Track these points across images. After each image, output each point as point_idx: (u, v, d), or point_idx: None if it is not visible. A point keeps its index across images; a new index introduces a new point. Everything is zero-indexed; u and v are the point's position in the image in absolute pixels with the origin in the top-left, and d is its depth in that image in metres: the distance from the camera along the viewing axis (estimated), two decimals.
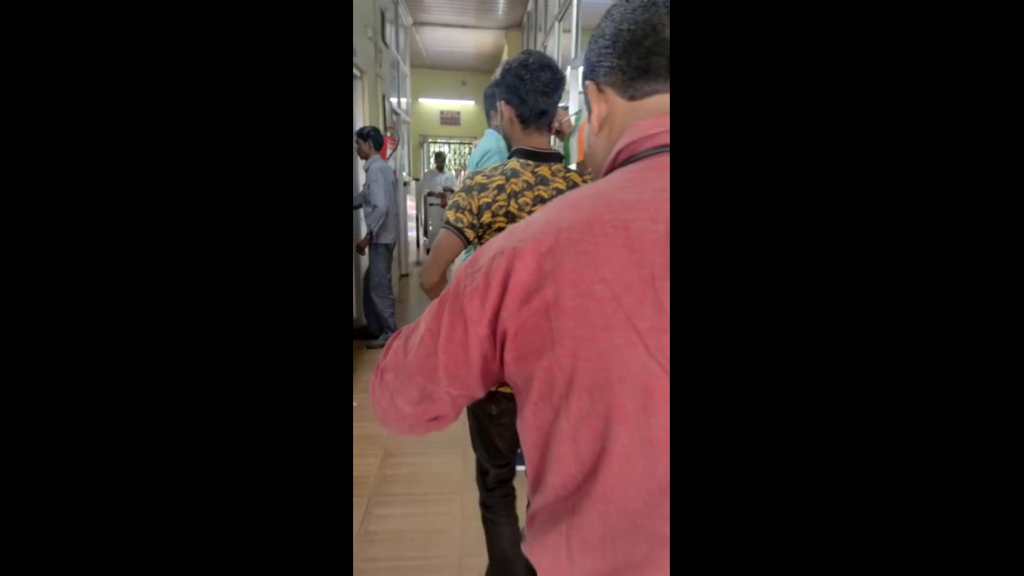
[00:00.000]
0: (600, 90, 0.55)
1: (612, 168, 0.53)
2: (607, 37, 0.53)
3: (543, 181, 1.15)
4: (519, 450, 2.12)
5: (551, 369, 0.45)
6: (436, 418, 0.58)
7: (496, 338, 0.49)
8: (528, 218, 0.51)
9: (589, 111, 0.57)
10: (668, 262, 0.43)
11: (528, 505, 0.55)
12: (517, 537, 1.36)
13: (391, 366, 0.58)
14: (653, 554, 0.45)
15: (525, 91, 1.15)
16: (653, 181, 0.47)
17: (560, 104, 1.28)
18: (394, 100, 5.38)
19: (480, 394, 0.56)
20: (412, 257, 6.85)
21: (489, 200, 1.14)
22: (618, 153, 0.52)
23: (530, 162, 1.17)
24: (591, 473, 0.46)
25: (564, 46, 4.28)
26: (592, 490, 0.46)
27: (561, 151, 1.54)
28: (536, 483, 0.52)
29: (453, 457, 2.26)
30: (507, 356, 0.49)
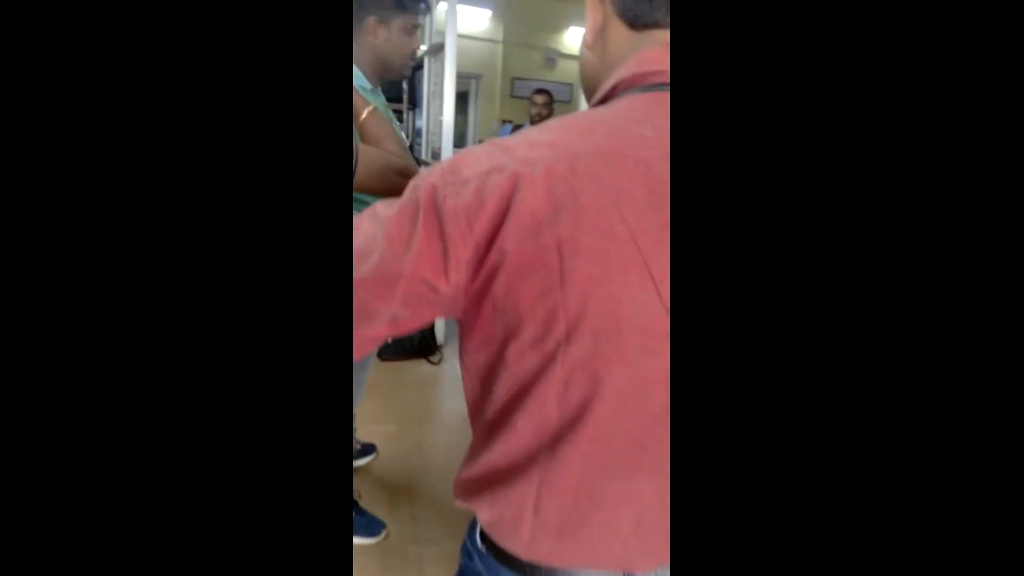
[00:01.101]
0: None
1: (609, 96, 0.49)
2: None
3: None
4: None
5: (554, 311, 0.42)
6: (370, 340, 0.49)
7: (482, 265, 0.43)
8: (526, 135, 0.45)
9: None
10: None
11: (469, 463, 0.53)
12: None
13: None
14: (630, 485, 0.46)
15: None
16: (665, 117, 0.44)
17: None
18: None
19: (427, 322, 0.50)
20: None
21: None
22: (620, 81, 0.48)
23: None
24: (578, 415, 0.44)
25: None
26: (578, 430, 0.44)
27: None
28: (493, 431, 0.49)
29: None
30: (496, 287, 0.42)
